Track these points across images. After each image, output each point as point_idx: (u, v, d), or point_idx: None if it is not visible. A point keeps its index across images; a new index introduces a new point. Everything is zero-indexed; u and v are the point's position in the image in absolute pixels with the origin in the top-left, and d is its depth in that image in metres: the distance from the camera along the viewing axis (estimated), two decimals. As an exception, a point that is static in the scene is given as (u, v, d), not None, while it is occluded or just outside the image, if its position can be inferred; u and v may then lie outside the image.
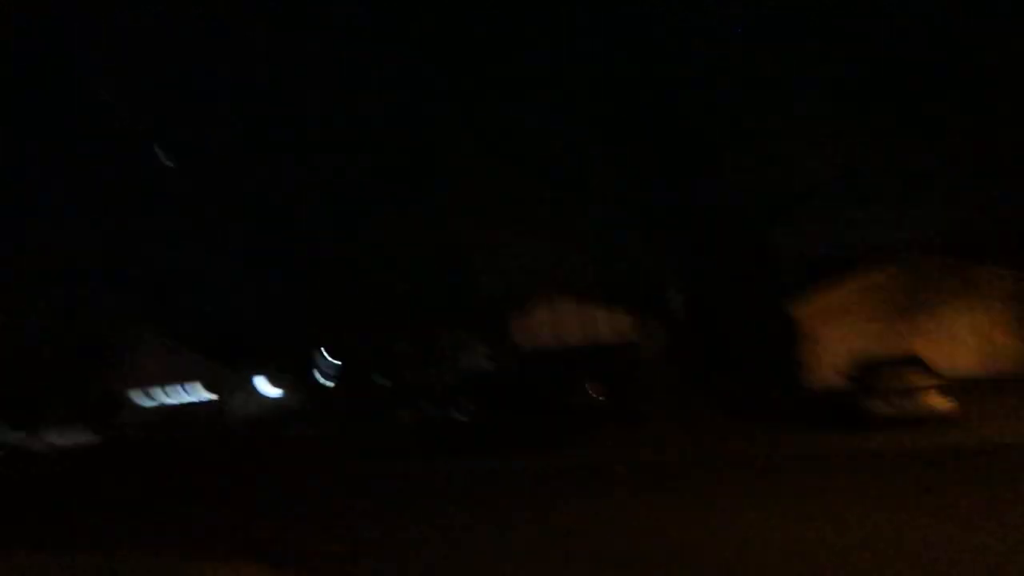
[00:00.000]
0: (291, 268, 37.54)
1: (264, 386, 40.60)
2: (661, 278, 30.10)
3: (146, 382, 39.25)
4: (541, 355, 32.76)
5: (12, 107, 45.56)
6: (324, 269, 36.58)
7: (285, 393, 41.03)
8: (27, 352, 40.85)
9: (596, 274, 32.21)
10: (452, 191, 29.80)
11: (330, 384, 39.85)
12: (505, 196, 26.81)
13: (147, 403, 39.25)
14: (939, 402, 17.28)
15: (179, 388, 38.80)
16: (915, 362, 18.52)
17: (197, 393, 38.50)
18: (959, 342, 25.27)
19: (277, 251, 37.63)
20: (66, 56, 40.07)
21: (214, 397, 38.03)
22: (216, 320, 43.49)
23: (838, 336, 25.90)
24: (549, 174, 26.14)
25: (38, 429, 35.68)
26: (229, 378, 37.96)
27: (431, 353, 39.30)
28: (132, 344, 39.66)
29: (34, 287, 41.03)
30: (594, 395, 23.44)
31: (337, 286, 36.49)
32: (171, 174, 32.66)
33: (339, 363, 39.81)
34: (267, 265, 38.55)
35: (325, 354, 40.13)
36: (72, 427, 37.18)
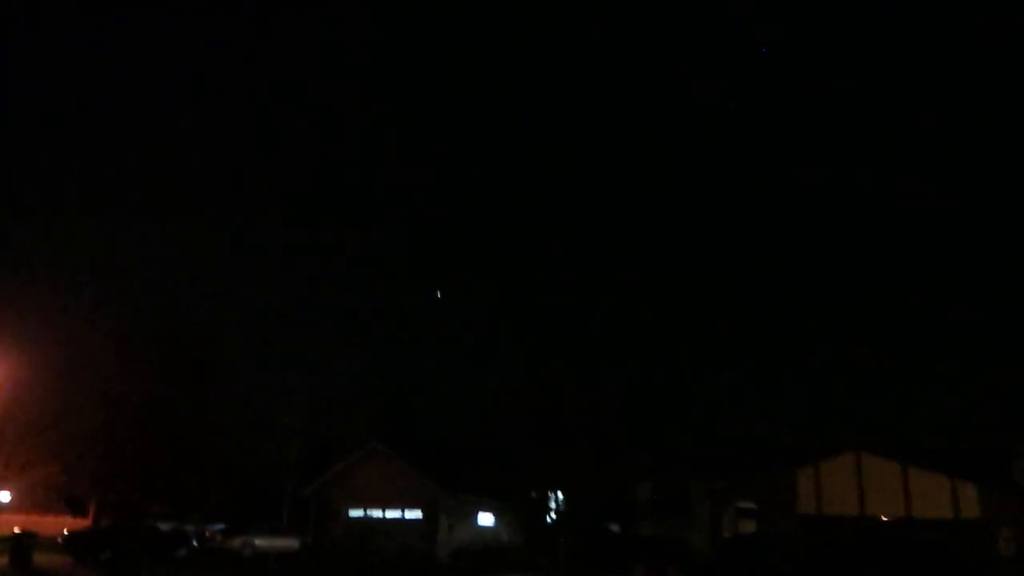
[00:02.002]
0: (529, 404, 33.56)
1: (484, 518, 36.98)
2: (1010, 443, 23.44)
3: (363, 495, 36.65)
4: (835, 527, 25.41)
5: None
6: (565, 406, 32.36)
7: (505, 528, 37.30)
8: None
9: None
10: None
11: (556, 526, 35.57)
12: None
13: (356, 514, 36.50)
14: None
15: (396, 505, 35.84)
16: None
17: (411, 511, 35.31)
18: None
19: (517, 385, 34.31)
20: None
21: (424, 517, 34.72)
22: (446, 445, 41.28)
23: None
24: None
25: (250, 533, 34.19)
26: (448, 503, 34.45)
27: (678, 505, 34.13)
28: (358, 456, 37.49)
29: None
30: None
31: (576, 422, 32.04)
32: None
33: (569, 504, 35.35)
34: (505, 396, 35.06)
35: (555, 493, 35.95)
36: (281, 532, 35.48)
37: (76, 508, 50.20)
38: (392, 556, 32.11)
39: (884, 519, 25.70)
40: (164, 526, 33.58)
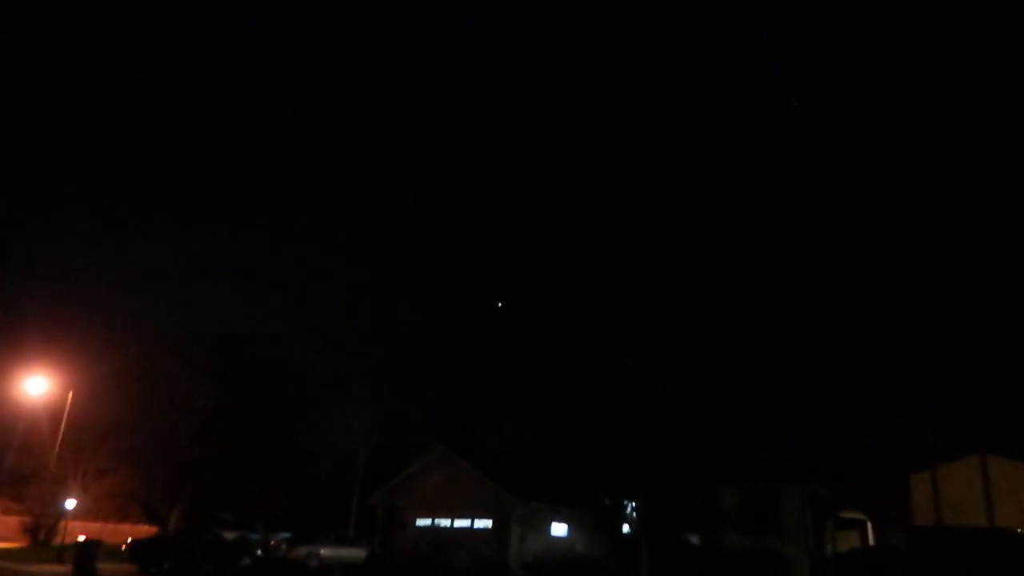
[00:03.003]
0: (604, 405, 31.46)
1: (557, 528, 34.94)
2: None
3: (430, 503, 35.18)
4: (958, 540, 21.44)
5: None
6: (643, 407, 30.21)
7: (579, 539, 35.18)
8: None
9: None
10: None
11: (634, 537, 33.22)
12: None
13: (423, 523, 35.00)
14: None
15: (464, 514, 34.18)
16: None
17: (481, 520, 33.59)
18: None
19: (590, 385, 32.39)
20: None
21: (494, 526, 32.87)
22: (515, 451, 39.70)
23: None
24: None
25: (316, 543, 33.16)
26: (520, 511, 32.57)
27: (768, 514, 31.52)
28: (425, 463, 36.06)
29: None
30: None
31: (655, 424, 29.76)
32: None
33: (647, 513, 32.96)
34: (577, 397, 33.14)
35: (631, 501, 33.72)
36: (347, 542, 34.36)
37: (152, 517, 50.59)
38: (463, 568, 30.43)
39: (1019, 531, 22.49)
40: (229, 535, 32.76)
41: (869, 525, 27.16)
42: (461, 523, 34.07)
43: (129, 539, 30.34)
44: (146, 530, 46.73)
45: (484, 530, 33.10)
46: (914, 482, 24.14)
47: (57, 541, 34.67)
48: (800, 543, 30.95)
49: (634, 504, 34.14)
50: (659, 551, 30.89)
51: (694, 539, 36.16)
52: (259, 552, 30.80)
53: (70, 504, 36.11)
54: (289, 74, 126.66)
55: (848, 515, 26.80)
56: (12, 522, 42.13)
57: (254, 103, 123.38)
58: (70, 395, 36.38)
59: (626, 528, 39.06)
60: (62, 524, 37.49)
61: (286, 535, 35.83)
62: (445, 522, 34.53)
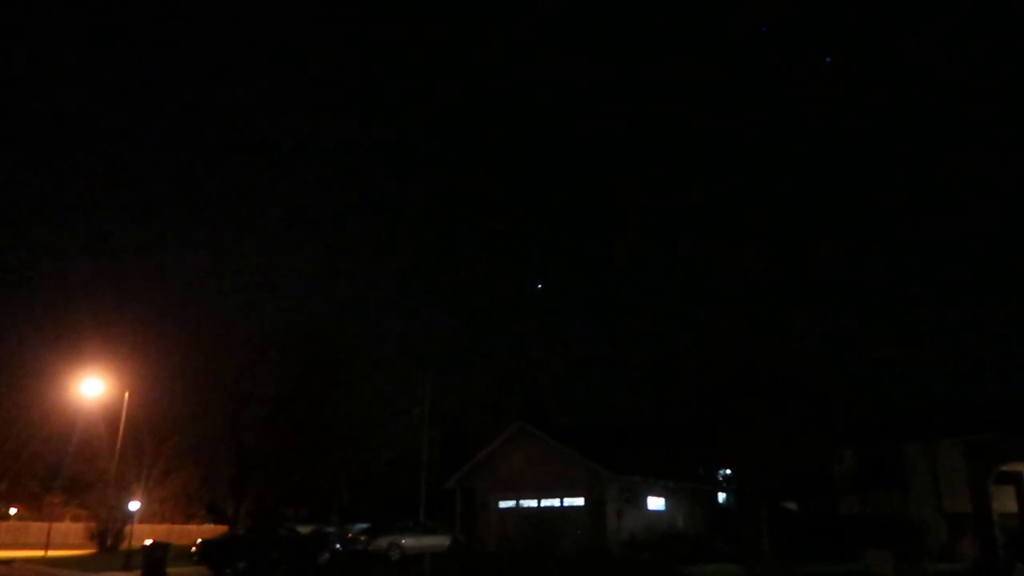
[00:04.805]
0: (705, 366, 28.50)
1: (654, 502, 32.02)
2: None
3: (513, 483, 32.55)
4: None
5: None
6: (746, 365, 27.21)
7: (678, 511, 32.24)
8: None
9: None
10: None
11: (739, 508, 30.19)
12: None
13: (507, 505, 32.46)
14: None
15: (553, 493, 31.46)
16: None
17: (571, 499, 30.85)
18: None
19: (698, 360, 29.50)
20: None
21: (587, 503, 30.08)
22: (598, 424, 36.93)
23: None
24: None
25: (398, 532, 30.74)
26: (615, 487, 29.70)
27: (893, 475, 28.37)
28: (504, 441, 33.39)
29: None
30: None
31: (759, 384, 26.72)
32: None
33: (749, 482, 29.81)
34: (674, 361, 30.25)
35: (733, 472, 30.74)
36: (430, 530, 31.88)
37: (217, 515, 49.28)
38: (565, 550, 27.63)
39: None
40: (304, 529, 30.57)
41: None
42: (548, 502, 31.39)
43: (198, 540, 28.26)
44: (212, 530, 45.30)
45: (576, 508, 30.36)
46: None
47: (124, 546, 33.03)
48: (933, 504, 27.68)
49: (737, 473, 31.25)
50: (772, 522, 27.93)
51: (792, 506, 33.16)
52: (337, 546, 28.52)
53: (134, 506, 34.27)
54: (289, 73, 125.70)
55: (1010, 468, 23.43)
56: (80, 529, 41.10)
57: (254, 103, 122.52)
58: (127, 396, 34.56)
59: (722, 497, 36.21)
60: (128, 528, 36.12)
61: (363, 526, 33.60)
62: (531, 502, 31.91)
